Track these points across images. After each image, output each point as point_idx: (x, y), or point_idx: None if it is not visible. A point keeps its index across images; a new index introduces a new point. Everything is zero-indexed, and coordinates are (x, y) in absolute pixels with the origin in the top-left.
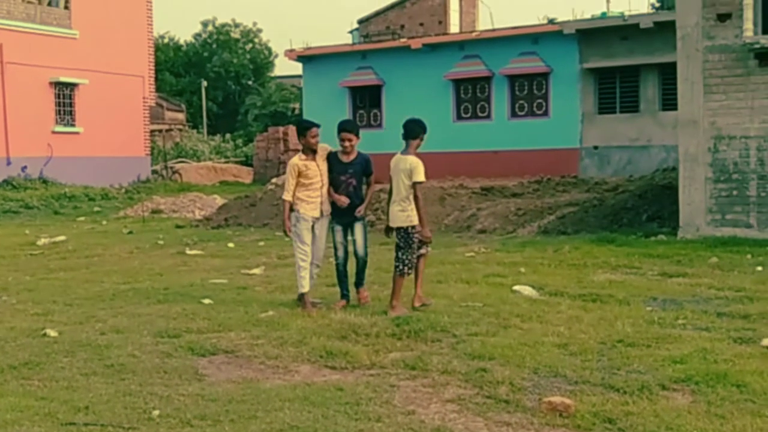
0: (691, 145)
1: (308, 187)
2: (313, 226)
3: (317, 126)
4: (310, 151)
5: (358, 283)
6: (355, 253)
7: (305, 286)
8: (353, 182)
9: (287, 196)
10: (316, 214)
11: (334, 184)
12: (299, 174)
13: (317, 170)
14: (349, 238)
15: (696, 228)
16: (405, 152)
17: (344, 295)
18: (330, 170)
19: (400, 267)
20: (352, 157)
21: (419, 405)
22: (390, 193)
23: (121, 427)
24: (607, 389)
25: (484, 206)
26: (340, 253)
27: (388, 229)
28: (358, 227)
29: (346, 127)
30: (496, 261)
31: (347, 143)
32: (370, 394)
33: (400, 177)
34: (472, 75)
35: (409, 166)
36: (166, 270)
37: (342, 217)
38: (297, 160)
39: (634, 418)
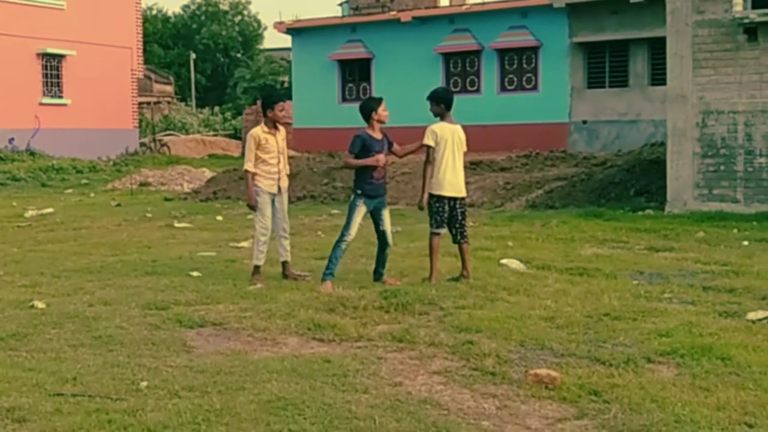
0: (680, 119)
1: (266, 162)
2: (273, 201)
3: (287, 100)
4: (273, 125)
5: (382, 273)
6: (385, 239)
7: (261, 260)
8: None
9: (249, 167)
10: (274, 190)
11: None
12: (258, 146)
13: (276, 145)
14: (379, 222)
15: (683, 203)
16: (452, 122)
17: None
18: (368, 150)
19: (467, 235)
20: (381, 132)
21: (406, 377)
22: (434, 162)
23: (109, 398)
24: (592, 362)
25: (473, 180)
26: (353, 231)
27: (440, 199)
28: (387, 212)
29: (378, 101)
30: (484, 235)
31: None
32: (358, 366)
33: (459, 147)
34: (461, 49)
35: (463, 136)
36: (155, 242)
37: (373, 198)
38: (259, 131)
39: (619, 390)
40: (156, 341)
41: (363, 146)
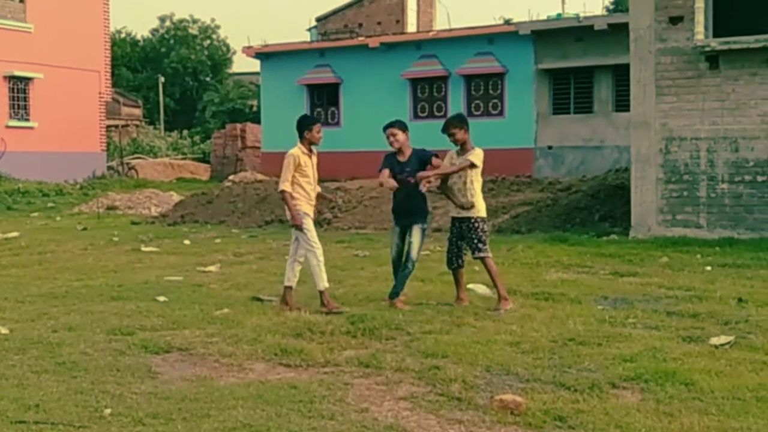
0: (643, 146)
1: (303, 185)
2: None
3: (320, 122)
4: (309, 148)
5: (397, 292)
6: (408, 255)
7: (325, 280)
8: (411, 180)
9: (286, 187)
10: (311, 211)
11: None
12: (297, 167)
13: (312, 167)
14: (407, 240)
15: (647, 228)
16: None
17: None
18: (391, 171)
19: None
20: (408, 153)
21: (372, 403)
22: (477, 184)
23: (72, 425)
24: (558, 387)
25: (440, 205)
26: (393, 253)
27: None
28: (417, 231)
29: (390, 123)
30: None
31: (392, 139)
32: (324, 392)
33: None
34: (429, 74)
35: None
36: (121, 267)
37: (400, 219)
38: (299, 152)
39: (584, 416)
40: (121, 367)
41: (388, 167)
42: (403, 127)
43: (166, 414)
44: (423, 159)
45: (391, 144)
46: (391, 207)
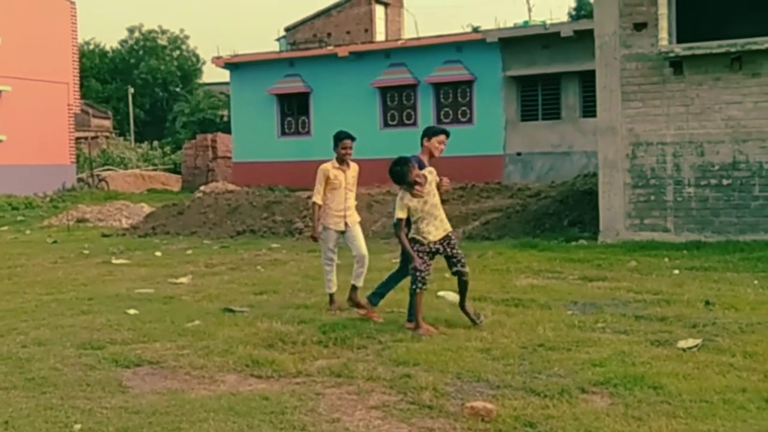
0: (610, 151)
1: (331, 199)
2: (344, 233)
3: (351, 138)
4: (342, 162)
5: (377, 295)
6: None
7: (332, 288)
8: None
9: (317, 199)
10: (341, 227)
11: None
12: (327, 181)
13: (343, 182)
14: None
15: (616, 232)
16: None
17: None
18: None
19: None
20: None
21: (344, 412)
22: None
23: None
24: (528, 393)
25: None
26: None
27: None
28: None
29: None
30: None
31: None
32: (296, 402)
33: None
34: (398, 83)
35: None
36: (91, 280)
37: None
38: (329, 166)
39: (554, 421)
40: (91, 382)
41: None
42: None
43: (137, 428)
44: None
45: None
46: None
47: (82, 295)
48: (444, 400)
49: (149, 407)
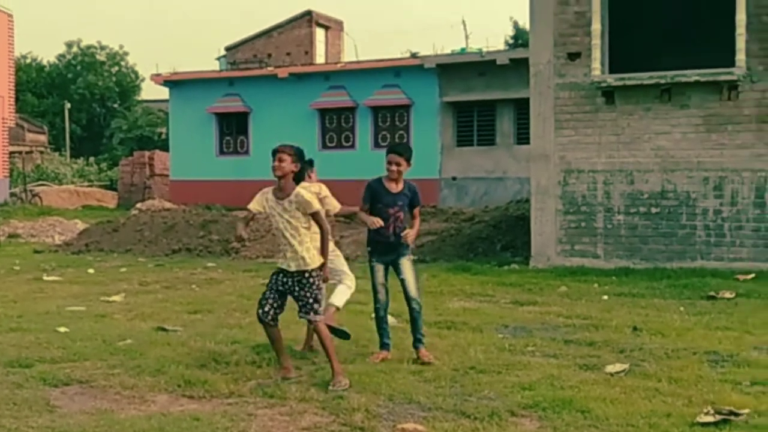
0: (543, 178)
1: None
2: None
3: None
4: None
5: (418, 341)
6: (407, 298)
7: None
8: (401, 216)
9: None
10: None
11: (381, 217)
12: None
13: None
14: (400, 277)
15: (547, 258)
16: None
17: (385, 345)
18: (376, 201)
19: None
20: (402, 185)
21: None
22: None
23: None
24: (458, 415)
25: (347, 234)
26: (381, 296)
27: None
28: (406, 264)
29: (394, 149)
30: (357, 289)
31: (395, 167)
32: (227, 423)
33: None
34: (337, 105)
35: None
36: (21, 297)
37: (384, 255)
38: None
39: None
40: (18, 401)
41: (372, 197)
42: (410, 159)
43: None
44: (413, 202)
45: (390, 172)
46: (370, 242)
47: (11, 312)
48: (376, 422)
49: (77, 427)
